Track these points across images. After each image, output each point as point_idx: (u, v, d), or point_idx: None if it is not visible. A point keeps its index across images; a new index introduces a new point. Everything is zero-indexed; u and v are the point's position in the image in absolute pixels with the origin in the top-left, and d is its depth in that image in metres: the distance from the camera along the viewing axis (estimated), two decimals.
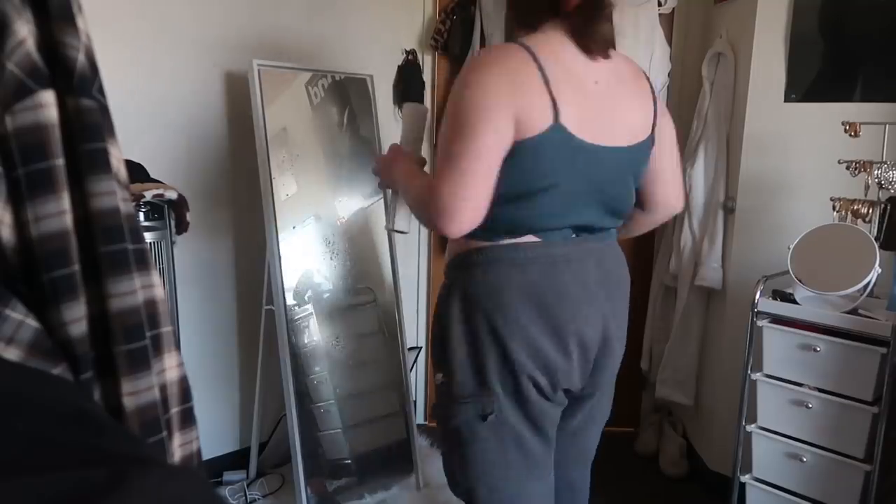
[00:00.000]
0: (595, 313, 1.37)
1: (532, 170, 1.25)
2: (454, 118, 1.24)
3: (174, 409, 0.65)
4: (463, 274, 1.36)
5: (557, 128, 1.23)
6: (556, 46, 1.28)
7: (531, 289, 1.31)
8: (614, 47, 1.37)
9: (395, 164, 1.51)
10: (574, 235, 1.36)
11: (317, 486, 2.34)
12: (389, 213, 1.63)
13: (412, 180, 1.41)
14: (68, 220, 0.54)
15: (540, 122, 1.22)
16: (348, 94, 2.58)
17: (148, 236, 1.97)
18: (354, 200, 2.57)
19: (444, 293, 1.40)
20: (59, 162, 0.54)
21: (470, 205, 1.22)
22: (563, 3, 1.29)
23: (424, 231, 3.10)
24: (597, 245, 1.39)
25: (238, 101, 2.43)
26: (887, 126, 2.04)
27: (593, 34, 1.29)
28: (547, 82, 1.23)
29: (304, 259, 2.41)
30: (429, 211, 1.26)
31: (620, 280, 1.47)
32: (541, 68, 1.23)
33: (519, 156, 1.23)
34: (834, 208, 2.07)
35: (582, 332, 1.35)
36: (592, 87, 1.30)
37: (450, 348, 1.35)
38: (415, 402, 2.79)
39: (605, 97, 1.31)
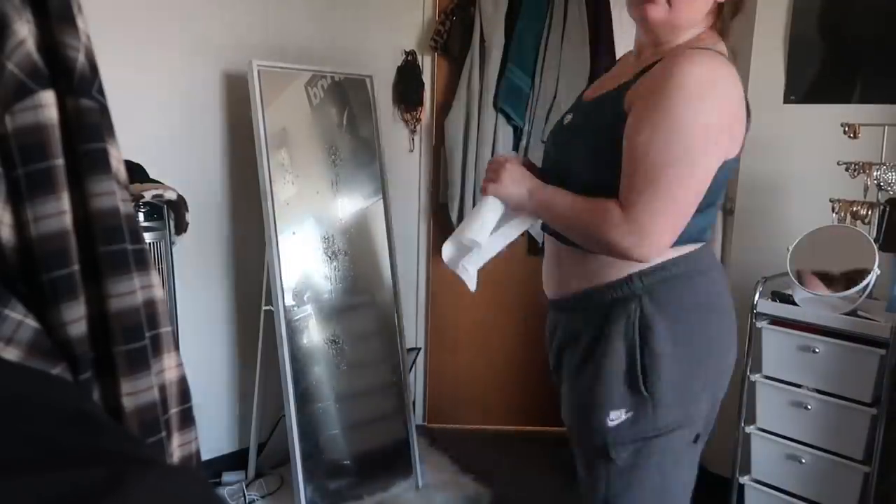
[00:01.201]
0: None
1: (719, 180, 1.21)
2: (677, 135, 1.12)
3: (173, 410, 0.65)
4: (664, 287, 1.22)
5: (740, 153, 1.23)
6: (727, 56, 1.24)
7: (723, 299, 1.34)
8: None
9: (525, 179, 1.28)
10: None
11: (333, 481, 2.34)
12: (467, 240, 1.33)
13: (566, 198, 1.22)
14: (68, 220, 0.54)
15: (741, 139, 1.22)
16: (348, 95, 2.58)
17: (147, 237, 1.96)
18: (354, 201, 2.57)
19: (632, 313, 1.21)
20: (59, 162, 0.54)
21: (673, 234, 1.15)
22: None
23: (424, 231, 3.10)
24: None
25: (237, 101, 2.43)
26: (886, 127, 2.04)
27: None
28: (744, 98, 1.21)
29: (304, 259, 2.41)
30: (614, 234, 1.14)
31: None
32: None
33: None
34: (833, 210, 2.07)
35: None
36: None
37: (654, 373, 1.20)
38: (413, 402, 2.79)
39: None
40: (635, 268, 1.21)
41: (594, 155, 1.23)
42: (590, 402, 1.25)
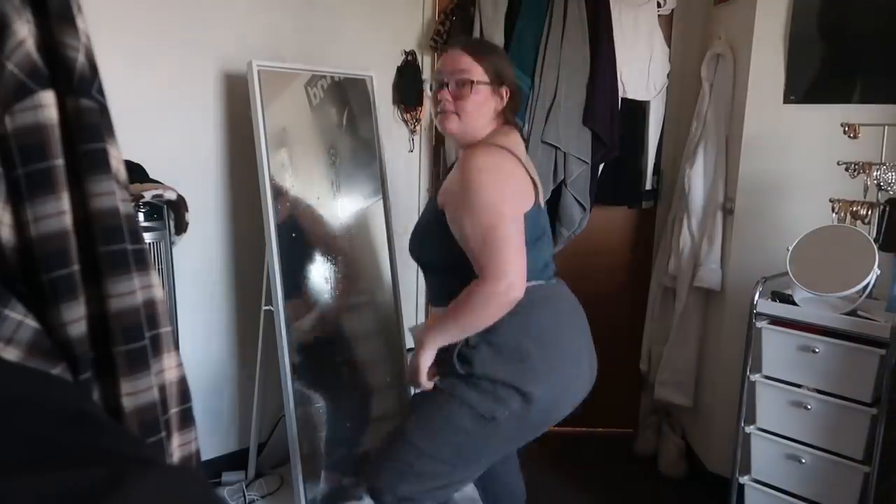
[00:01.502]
0: None
1: (528, 226, 1.58)
2: (485, 209, 1.50)
3: (173, 410, 0.65)
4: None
5: (537, 203, 1.63)
6: (514, 141, 1.66)
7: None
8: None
9: (427, 341, 1.60)
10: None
11: (332, 481, 2.34)
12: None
13: (445, 318, 1.57)
14: (68, 220, 0.54)
15: (532, 199, 1.60)
16: (348, 95, 2.58)
17: (147, 237, 1.96)
18: (354, 201, 2.57)
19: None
20: (59, 162, 0.54)
21: (521, 267, 1.51)
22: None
23: None
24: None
25: (237, 101, 2.43)
26: (886, 128, 2.04)
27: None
28: (527, 171, 1.62)
29: (304, 260, 2.41)
30: (489, 293, 1.49)
31: None
32: (521, 163, 1.61)
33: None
34: (833, 210, 2.07)
35: None
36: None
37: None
38: None
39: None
40: None
41: (435, 244, 1.64)
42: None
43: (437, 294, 1.72)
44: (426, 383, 1.61)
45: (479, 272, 1.51)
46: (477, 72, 1.63)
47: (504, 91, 1.66)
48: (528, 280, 1.53)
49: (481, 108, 1.63)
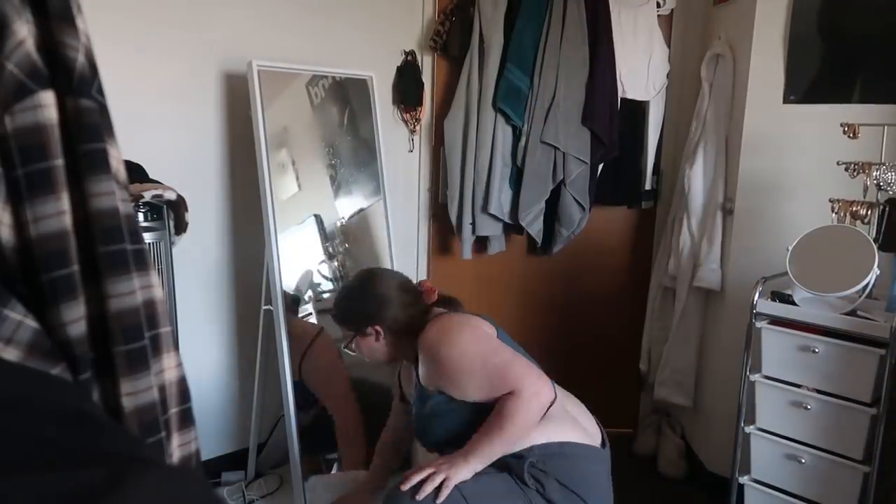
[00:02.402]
0: None
1: None
2: (473, 358, 1.59)
3: (173, 410, 0.65)
4: None
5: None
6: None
7: None
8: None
9: (472, 460, 1.57)
10: None
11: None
12: None
13: (481, 436, 1.56)
14: (67, 220, 0.54)
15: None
16: (348, 95, 2.58)
17: (147, 237, 1.96)
18: (354, 201, 2.57)
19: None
20: (59, 162, 0.54)
21: (538, 376, 1.57)
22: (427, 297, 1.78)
23: (424, 231, 3.10)
24: None
25: (238, 101, 2.43)
26: (886, 127, 2.04)
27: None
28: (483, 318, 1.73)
29: (304, 259, 2.41)
30: (522, 403, 1.52)
31: None
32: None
33: None
34: (833, 210, 2.07)
35: None
36: None
37: None
38: None
39: None
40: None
41: (453, 421, 1.65)
42: None
43: (454, 444, 1.66)
44: (444, 495, 1.54)
45: (501, 398, 1.56)
46: (346, 334, 1.78)
47: (372, 328, 1.72)
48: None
49: (373, 349, 1.75)
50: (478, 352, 1.60)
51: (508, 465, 1.59)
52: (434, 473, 1.54)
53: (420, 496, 1.50)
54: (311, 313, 2.41)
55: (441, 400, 1.63)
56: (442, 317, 1.70)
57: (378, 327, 1.71)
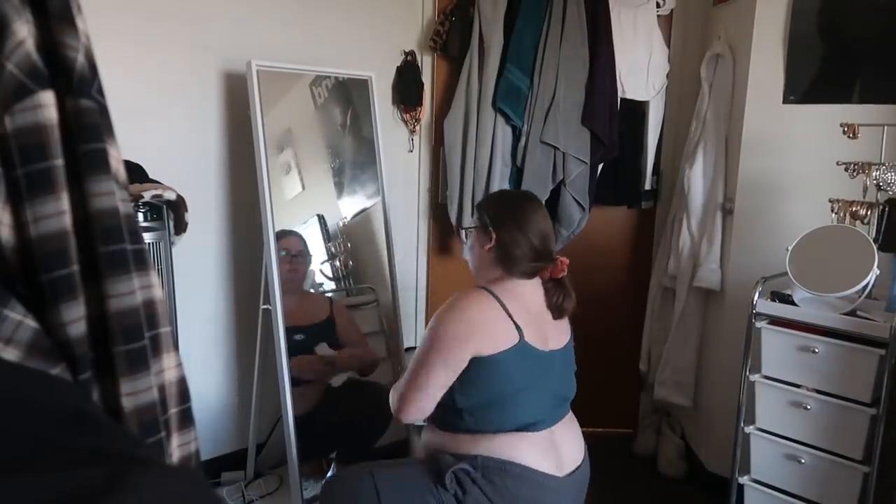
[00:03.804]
0: None
1: (487, 374, 1.59)
2: (423, 344, 1.61)
3: (173, 410, 0.65)
4: None
5: (522, 343, 1.61)
6: (517, 289, 1.67)
7: None
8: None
9: None
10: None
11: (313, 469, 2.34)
12: None
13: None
14: (67, 220, 0.54)
15: (502, 341, 1.58)
16: (351, 95, 2.59)
17: (147, 237, 1.96)
18: (356, 200, 2.57)
19: None
20: (59, 162, 0.54)
21: (418, 406, 1.61)
22: (551, 273, 1.70)
23: (424, 231, 3.10)
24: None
25: (239, 101, 2.43)
26: (885, 128, 2.04)
27: (566, 307, 1.72)
28: (508, 313, 1.62)
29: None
30: (392, 397, 1.66)
31: None
32: (502, 304, 1.62)
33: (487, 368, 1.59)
34: (832, 210, 2.07)
35: None
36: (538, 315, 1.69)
37: None
38: None
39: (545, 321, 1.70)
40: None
41: None
42: None
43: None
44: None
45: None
46: (474, 221, 1.82)
47: (490, 235, 1.70)
48: (496, 431, 1.58)
49: (474, 249, 1.77)
50: (433, 346, 1.58)
51: (439, 463, 1.59)
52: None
53: None
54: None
55: None
56: (490, 299, 1.62)
57: (495, 237, 1.68)
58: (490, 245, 1.69)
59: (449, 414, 1.61)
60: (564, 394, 1.73)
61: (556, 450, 1.63)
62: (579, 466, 1.68)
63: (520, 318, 1.62)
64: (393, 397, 1.67)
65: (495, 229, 1.68)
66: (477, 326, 1.59)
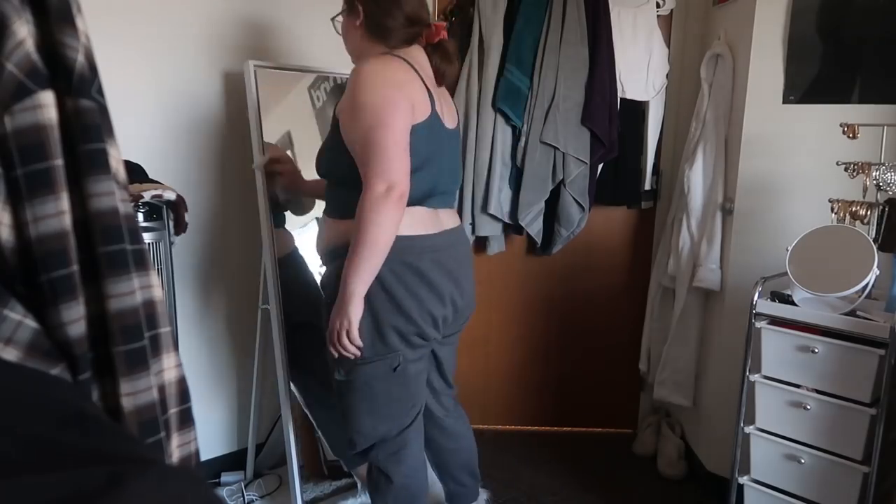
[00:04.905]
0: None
1: (416, 145, 1.58)
2: (364, 112, 1.53)
3: (172, 410, 0.65)
4: None
5: (434, 115, 1.63)
6: (413, 53, 1.68)
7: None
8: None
9: (349, 288, 1.59)
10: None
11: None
12: None
13: (350, 257, 1.57)
14: (67, 220, 0.54)
15: (425, 111, 1.60)
16: None
17: (146, 237, 1.96)
18: None
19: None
20: (58, 162, 0.54)
21: (402, 168, 1.55)
22: (426, 38, 1.70)
23: None
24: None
25: (238, 102, 2.43)
26: (885, 128, 2.04)
27: (445, 71, 1.72)
28: (423, 81, 1.62)
29: (304, 258, 2.41)
30: (373, 197, 1.51)
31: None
32: (416, 71, 1.61)
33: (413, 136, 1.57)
34: (832, 210, 2.08)
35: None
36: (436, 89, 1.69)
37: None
38: None
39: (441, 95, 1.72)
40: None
41: (333, 154, 1.68)
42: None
43: (334, 207, 1.75)
44: (357, 341, 1.61)
45: (363, 179, 1.54)
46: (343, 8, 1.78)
47: (358, 9, 1.69)
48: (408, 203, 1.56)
49: (347, 32, 1.76)
50: (378, 114, 1.53)
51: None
52: (333, 337, 1.62)
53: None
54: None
55: (336, 133, 1.64)
56: (397, 60, 1.61)
57: (362, 9, 1.68)
58: (360, 20, 1.69)
59: (353, 192, 1.58)
60: (454, 179, 1.77)
61: (432, 218, 1.70)
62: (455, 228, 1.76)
63: (431, 86, 1.64)
64: (371, 192, 1.52)
65: (361, 3, 1.69)
66: (406, 86, 1.58)
